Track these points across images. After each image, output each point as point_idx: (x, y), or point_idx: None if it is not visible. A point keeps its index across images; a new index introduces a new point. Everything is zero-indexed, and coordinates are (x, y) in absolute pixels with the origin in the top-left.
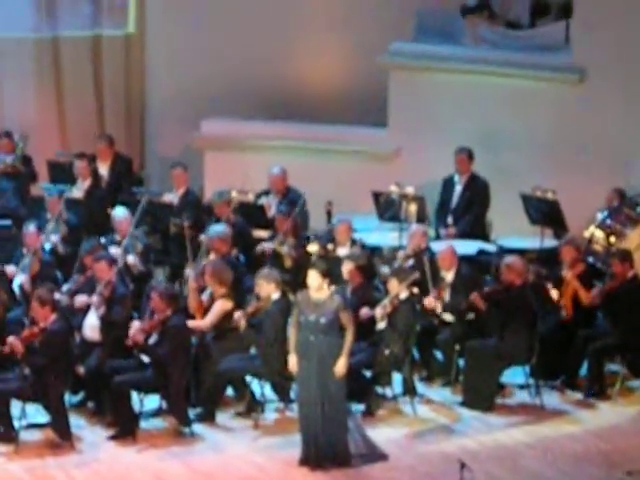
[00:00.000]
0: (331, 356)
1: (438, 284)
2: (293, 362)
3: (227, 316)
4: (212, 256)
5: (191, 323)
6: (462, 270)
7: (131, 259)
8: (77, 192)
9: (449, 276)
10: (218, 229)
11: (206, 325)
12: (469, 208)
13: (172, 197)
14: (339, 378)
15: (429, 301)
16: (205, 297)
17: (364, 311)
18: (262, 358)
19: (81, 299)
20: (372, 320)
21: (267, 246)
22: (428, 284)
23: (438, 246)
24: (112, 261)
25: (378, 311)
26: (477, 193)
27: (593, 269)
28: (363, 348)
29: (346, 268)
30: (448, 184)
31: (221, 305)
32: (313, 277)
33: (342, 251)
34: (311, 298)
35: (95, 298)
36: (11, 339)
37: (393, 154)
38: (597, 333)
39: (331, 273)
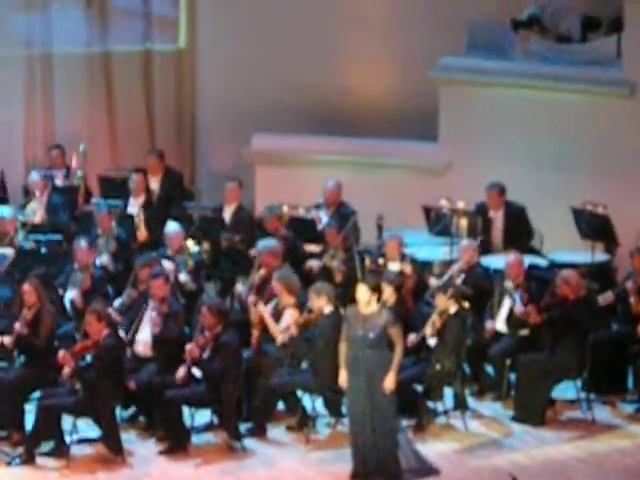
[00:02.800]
0: (380, 371)
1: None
2: (343, 377)
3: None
4: (262, 271)
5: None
6: (531, 285)
7: (183, 277)
8: (131, 208)
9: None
10: (267, 243)
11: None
12: (517, 239)
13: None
14: (388, 393)
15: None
16: (270, 308)
17: (411, 338)
18: (313, 372)
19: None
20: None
21: (314, 263)
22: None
23: (489, 261)
24: (168, 278)
25: (428, 329)
26: (518, 223)
27: None
28: (414, 362)
29: (385, 290)
30: (482, 213)
31: (291, 314)
32: (362, 292)
33: (393, 266)
34: (360, 313)
35: (153, 315)
36: (62, 353)
37: (444, 168)
38: None
39: (381, 288)
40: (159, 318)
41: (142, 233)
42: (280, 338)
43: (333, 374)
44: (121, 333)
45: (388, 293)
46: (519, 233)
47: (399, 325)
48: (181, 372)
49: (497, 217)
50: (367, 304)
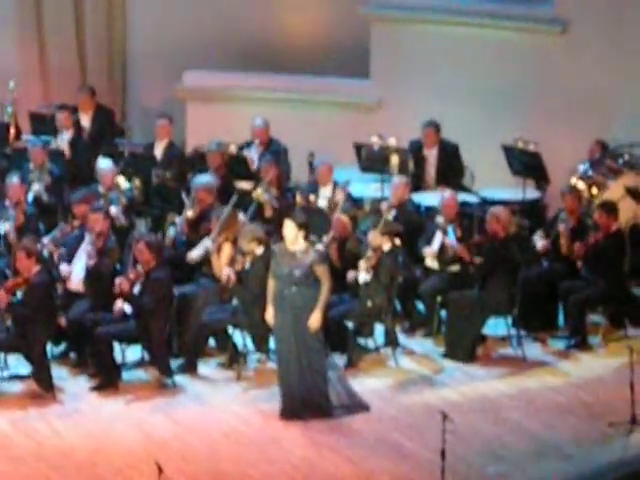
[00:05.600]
0: (305, 309)
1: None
2: (270, 314)
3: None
4: (196, 207)
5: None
6: (463, 222)
7: (113, 210)
8: (60, 144)
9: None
10: (202, 180)
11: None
12: (449, 177)
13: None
14: (313, 331)
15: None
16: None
17: (350, 275)
18: (245, 310)
19: (65, 269)
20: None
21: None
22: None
23: (420, 198)
24: (107, 213)
25: (362, 263)
26: (451, 160)
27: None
28: (345, 299)
29: (337, 218)
30: (416, 151)
31: (229, 249)
32: (289, 228)
33: (324, 191)
34: (287, 250)
35: (88, 248)
36: None
37: (375, 105)
38: (579, 284)
39: (309, 225)
40: (94, 251)
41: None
42: (222, 279)
43: (264, 311)
44: (63, 266)
45: (343, 222)
46: (451, 170)
47: (326, 263)
48: (118, 305)
49: (431, 154)
50: (294, 241)
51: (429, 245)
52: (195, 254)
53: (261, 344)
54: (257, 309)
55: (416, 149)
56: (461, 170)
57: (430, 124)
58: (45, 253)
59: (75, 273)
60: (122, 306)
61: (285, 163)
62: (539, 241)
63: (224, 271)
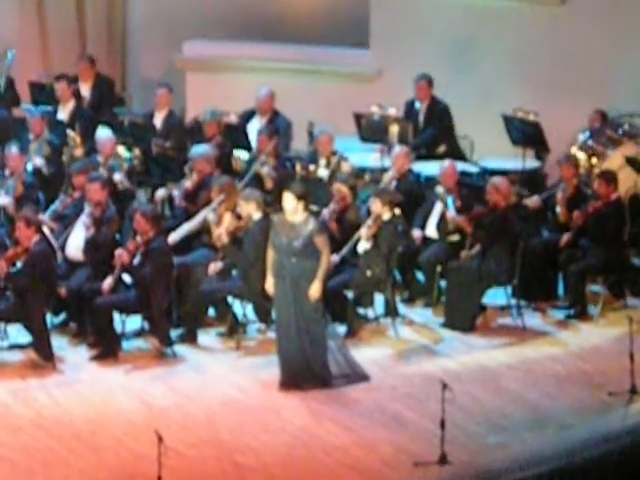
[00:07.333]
0: (305, 279)
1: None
2: (270, 283)
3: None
4: (194, 177)
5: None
6: (463, 192)
7: (117, 177)
8: (61, 114)
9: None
10: (200, 149)
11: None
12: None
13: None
14: (313, 301)
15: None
16: (211, 213)
17: (333, 257)
18: (243, 278)
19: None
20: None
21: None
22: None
23: (420, 168)
24: (105, 183)
25: (363, 231)
26: (437, 116)
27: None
28: (342, 269)
29: (337, 188)
30: (410, 109)
31: (230, 218)
32: (288, 199)
33: (323, 161)
34: (287, 221)
35: (85, 219)
36: None
37: (375, 75)
38: (579, 254)
39: (308, 195)
40: (92, 221)
41: (79, 150)
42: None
43: (263, 280)
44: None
45: (343, 192)
46: (441, 125)
47: (325, 233)
48: (107, 283)
49: (422, 109)
50: (293, 212)
51: (428, 217)
52: (176, 236)
53: (262, 313)
54: (255, 277)
55: (410, 104)
56: (443, 125)
57: (422, 77)
58: (45, 230)
59: (75, 242)
60: (108, 285)
61: (288, 136)
62: (530, 201)
63: (216, 232)
